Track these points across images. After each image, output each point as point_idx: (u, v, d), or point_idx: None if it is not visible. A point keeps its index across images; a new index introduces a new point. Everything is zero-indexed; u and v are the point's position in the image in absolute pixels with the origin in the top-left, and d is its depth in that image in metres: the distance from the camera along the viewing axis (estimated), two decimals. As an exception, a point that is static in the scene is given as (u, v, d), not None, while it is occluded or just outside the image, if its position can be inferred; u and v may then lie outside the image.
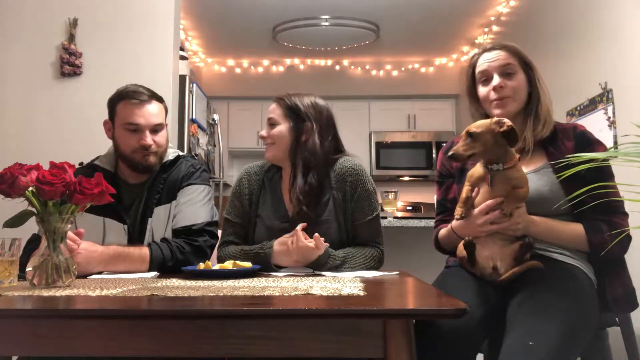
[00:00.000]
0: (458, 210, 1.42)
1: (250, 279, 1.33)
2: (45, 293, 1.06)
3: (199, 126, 3.54)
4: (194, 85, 3.39)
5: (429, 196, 5.04)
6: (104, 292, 1.04)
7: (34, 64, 2.91)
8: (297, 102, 1.70)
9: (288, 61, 5.74)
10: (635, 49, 2.46)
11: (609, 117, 2.63)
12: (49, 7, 2.95)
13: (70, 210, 1.20)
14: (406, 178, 5.60)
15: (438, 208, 1.71)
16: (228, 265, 1.42)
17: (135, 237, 1.68)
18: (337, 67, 5.77)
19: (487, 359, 1.53)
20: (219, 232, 1.79)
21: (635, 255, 1.57)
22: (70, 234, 1.41)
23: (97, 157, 1.80)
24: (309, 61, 5.76)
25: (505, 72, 1.53)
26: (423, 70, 5.73)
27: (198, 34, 5.04)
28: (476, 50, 1.66)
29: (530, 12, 3.89)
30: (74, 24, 2.93)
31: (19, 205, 1.19)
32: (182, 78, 3.21)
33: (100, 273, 1.51)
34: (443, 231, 1.60)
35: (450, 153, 1.38)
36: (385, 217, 2.57)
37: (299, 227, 1.53)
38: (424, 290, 1.17)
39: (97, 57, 2.93)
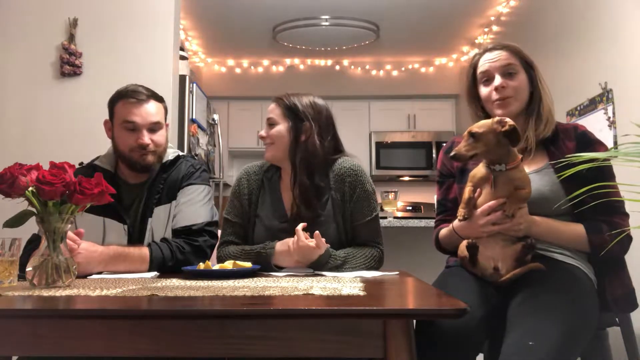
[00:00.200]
0: (461, 212, 1.41)
1: (250, 279, 1.33)
2: (45, 293, 1.06)
3: (199, 126, 3.54)
4: (194, 85, 3.39)
5: (429, 196, 5.04)
6: (104, 292, 1.04)
7: (34, 64, 2.91)
8: (295, 102, 1.70)
9: (288, 61, 5.74)
10: (635, 49, 2.46)
11: (609, 117, 2.63)
12: (49, 7, 2.95)
13: (70, 210, 1.20)
14: (406, 178, 5.60)
15: (438, 208, 1.71)
16: (228, 265, 1.42)
17: (135, 237, 1.68)
18: (337, 67, 5.77)
19: (488, 359, 1.53)
20: (219, 232, 1.79)
21: (635, 256, 1.57)
22: (70, 234, 1.41)
23: (97, 157, 1.80)
24: (309, 61, 5.76)
25: (507, 72, 1.53)
26: (423, 70, 5.73)
27: (198, 34, 5.05)
28: (477, 50, 1.66)
29: (530, 12, 3.89)
30: (74, 24, 2.93)
31: (19, 205, 1.19)
32: (182, 78, 3.21)
33: (100, 273, 1.51)
34: (444, 231, 1.60)
35: (452, 153, 1.38)
36: (385, 217, 2.57)
37: (300, 226, 1.53)
38: (424, 290, 1.17)
39: (97, 57, 2.93)
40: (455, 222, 1.50)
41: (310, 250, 1.50)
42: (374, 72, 5.78)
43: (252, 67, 5.77)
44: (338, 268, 1.55)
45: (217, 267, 1.43)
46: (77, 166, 1.56)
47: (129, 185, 1.75)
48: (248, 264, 1.44)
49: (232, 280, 1.28)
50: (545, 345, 1.13)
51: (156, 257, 1.57)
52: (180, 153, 1.84)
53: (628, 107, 2.50)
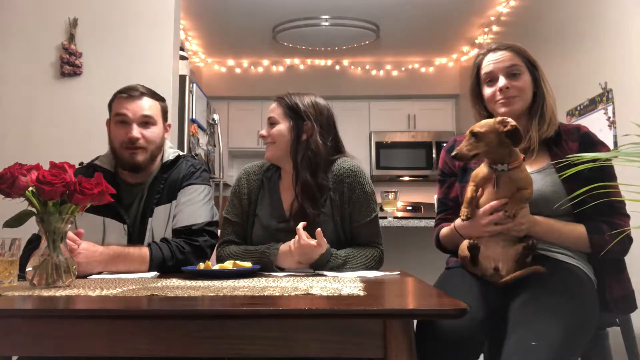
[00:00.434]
0: (463, 211, 1.41)
1: (250, 279, 1.33)
2: (45, 293, 1.06)
3: (199, 126, 3.54)
4: (194, 85, 3.39)
5: (429, 196, 5.04)
6: (104, 292, 1.04)
7: (34, 64, 2.91)
8: (297, 102, 1.70)
9: (288, 61, 5.74)
10: (635, 49, 2.46)
11: (609, 117, 2.63)
12: (49, 7, 2.95)
13: (70, 210, 1.20)
14: (406, 178, 5.60)
15: (439, 207, 1.71)
16: (228, 265, 1.42)
17: (135, 237, 1.68)
18: (337, 67, 5.77)
19: (488, 359, 1.53)
20: (219, 232, 1.79)
21: (635, 257, 1.57)
22: (70, 234, 1.41)
23: (97, 157, 1.80)
24: (309, 61, 5.76)
25: (511, 73, 1.53)
26: (423, 70, 5.73)
27: (198, 34, 5.05)
28: (477, 50, 1.67)
29: (530, 12, 3.89)
30: (74, 24, 2.93)
31: (19, 205, 1.19)
32: (182, 78, 3.21)
33: (100, 273, 1.51)
34: (445, 230, 1.60)
35: (453, 153, 1.38)
36: (385, 217, 2.56)
37: (300, 225, 1.52)
38: (424, 290, 1.17)
39: (97, 57, 2.93)
40: (457, 222, 1.50)
41: (311, 249, 1.50)
42: (374, 72, 5.78)
43: (252, 67, 5.77)
44: (339, 268, 1.55)
45: (217, 267, 1.43)
46: (77, 166, 1.56)
47: (128, 185, 1.74)
48: (248, 264, 1.44)
49: (232, 280, 1.28)
50: (546, 346, 1.13)
51: (156, 257, 1.57)
52: (181, 153, 1.84)
53: (628, 107, 2.50)
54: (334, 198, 1.66)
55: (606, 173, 1.42)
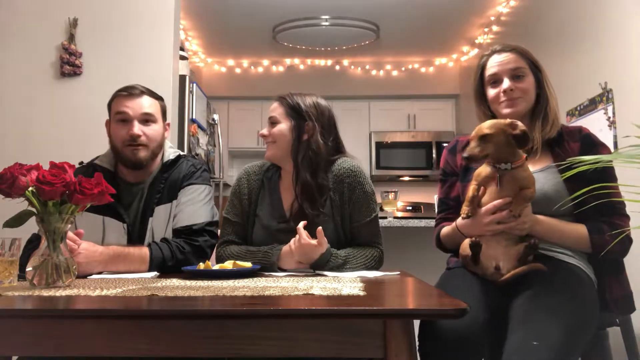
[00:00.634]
0: (464, 209, 1.42)
1: (250, 279, 1.33)
2: (45, 293, 1.06)
3: (199, 126, 3.54)
4: (194, 85, 3.39)
5: (429, 196, 5.04)
6: (104, 292, 1.04)
7: (34, 64, 2.91)
8: (299, 102, 1.70)
9: (288, 61, 5.74)
10: (635, 49, 2.46)
11: (609, 117, 2.63)
12: (49, 7, 2.94)
13: (70, 210, 1.20)
14: (406, 178, 5.60)
15: (440, 206, 1.71)
16: (228, 265, 1.42)
17: (135, 237, 1.68)
18: (337, 67, 5.77)
19: (489, 359, 1.53)
20: (219, 232, 1.79)
21: (635, 258, 1.57)
22: (70, 234, 1.41)
23: (97, 157, 1.80)
24: (309, 61, 5.76)
25: (515, 75, 1.55)
26: (423, 70, 5.73)
27: (198, 34, 5.04)
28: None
29: (530, 12, 3.89)
30: (74, 24, 2.93)
31: (19, 205, 1.19)
32: (182, 78, 3.21)
33: (100, 273, 1.51)
34: (446, 229, 1.60)
35: (465, 155, 1.38)
36: (385, 217, 2.56)
37: (301, 224, 1.52)
38: (424, 290, 1.17)
39: (97, 57, 2.93)
40: (459, 220, 1.50)
41: (312, 249, 1.50)
42: (374, 72, 5.78)
43: (252, 67, 5.77)
44: (339, 268, 1.55)
45: (217, 267, 1.43)
46: (77, 166, 1.56)
47: (128, 184, 1.75)
48: (248, 264, 1.44)
49: (232, 280, 1.28)
50: (547, 345, 1.13)
51: (156, 257, 1.57)
52: (181, 153, 1.84)
53: (628, 107, 2.50)
54: (334, 198, 1.66)
55: (607, 174, 1.43)
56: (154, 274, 1.52)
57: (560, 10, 3.31)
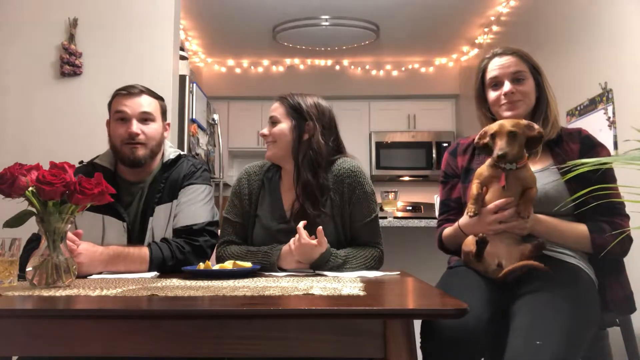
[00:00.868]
0: (470, 208, 1.42)
1: (250, 279, 1.33)
2: (45, 293, 1.06)
3: (199, 126, 3.54)
4: (194, 85, 3.39)
5: (429, 196, 5.04)
6: (104, 292, 1.04)
7: (34, 63, 2.91)
8: (299, 102, 1.71)
9: (288, 61, 5.74)
10: (635, 49, 2.46)
11: (609, 117, 2.63)
12: (49, 7, 2.94)
13: (70, 210, 1.20)
14: (406, 178, 5.60)
15: (442, 208, 1.72)
16: (228, 265, 1.42)
17: (136, 236, 1.68)
18: (337, 67, 5.77)
19: (490, 359, 1.53)
20: (219, 232, 1.79)
21: (635, 258, 1.57)
22: (69, 234, 1.41)
23: (97, 156, 1.80)
24: (309, 61, 5.76)
25: (516, 78, 1.57)
26: (423, 70, 5.73)
27: (198, 34, 5.04)
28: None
29: (530, 12, 3.89)
30: (74, 24, 2.93)
31: (19, 205, 1.19)
32: (182, 78, 3.21)
33: (100, 273, 1.51)
34: (448, 230, 1.61)
35: (500, 153, 1.37)
36: (385, 217, 2.56)
37: (301, 224, 1.52)
38: (425, 290, 1.17)
39: (97, 57, 2.93)
40: (461, 220, 1.51)
41: (311, 248, 1.50)
42: (374, 72, 5.77)
43: (252, 67, 5.77)
44: (338, 268, 1.55)
45: (217, 267, 1.43)
46: (77, 166, 1.56)
47: (128, 183, 1.75)
48: (248, 264, 1.44)
49: (232, 280, 1.28)
50: (550, 345, 1.14)
51: (156, 257, 1.57)
52: (182, 152, 1.84)
53: (628, 107, 2.50)
54: (334, 198, 1.66)
55: (607, 175, 1.44)
56: (154, 274, 1.52)
57: (560, 10, 3.31)
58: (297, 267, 1.56)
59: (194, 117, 3.36)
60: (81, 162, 1.81)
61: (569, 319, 1.20)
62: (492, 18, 4.58)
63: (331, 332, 0.90)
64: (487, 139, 1.43)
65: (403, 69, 5.73)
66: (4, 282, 1.21)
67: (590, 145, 1.52)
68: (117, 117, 1.70)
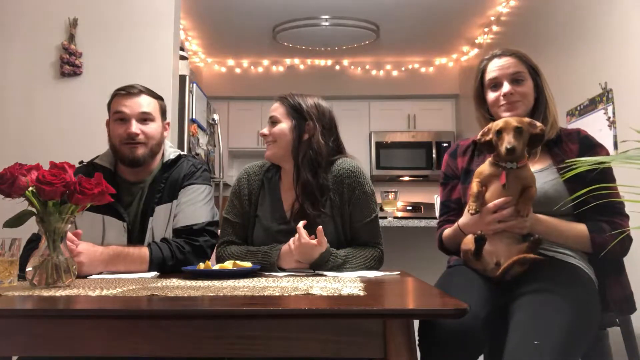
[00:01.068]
0: (471, 205, 1.42)
1: (250, 279, 1.33)
2: (45, 293, 1.06)
3: (199, 126, 3.54)
4: (194, 85, 3.39)
5: (429, 196, 5.04)
6: (104, 292, 1.04)
7: (34, 63, 2.91)
8: (300, 102, 1.71)
9: (288, 61, 5.74)
10: (635, 49, 2.46)
11: (609, 117, 2.63)
12: (49, 6, 2.95)
13: (70, 210, 1.20)
14: (406, 178, 5.60)
15: (442, 209, 1.72)
16: (228, 265, 1.42)
17: (136, 236, 1.68)
18: (337, 67, 5.77)
19: (488, 358, 1.53)
20: (219, 232, 1.79)
21: (635, 258, 1.57)
22: (69, 234, 1.41)
23: (97, 156, 1.80)
24: (309, 61, 5.76)
25: (515, 79, 1.58)
26: (423, 70, 5.73)
27: (198, 34, 5.04)
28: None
29: (530, 12, 3.89)
30: (74, 24, 2.93)
31: (19, 205, 1.19)
32: (182, 78, 3.21)
33: (100, 273, 1.51)
34: (448, 231, 1.61)
35: (509, 147, 1.37)
36: (385, 217, 2.56)
37: (301, 224, 1.52)
38: (424, 290, 1.17)
39: (97, 57, 2.93)
40: (461, 220, 1.52)
41: (311, 248, 1.50)
42: (374, 72, 5.77)
43: (252, 67, 5.77)
44: (338, 267, 1.55)
45: (217, 267, 1.43)
46: (77, 166, 1.56)
47: (128, 183, 1.75)
48: (248, 264, 1.44)
49: (232, 280, 1.28)
50: (549, 345, 1.14)
51: (156, 257, 1.57)
52: (182, 152, 1.84)
53: (628, 107, 2.50)
54: (334, 199, 1.66)
55: (606, 175, 1.44)
56: (154, 274, 1.52)
57: (560, 10, 3.31)
58: (297, 267, 1.56)
59: (194, 117, 3.36)
60: (81, 162, 1.81)
61: (568, 319, 1.20)
62: (492, 18, 4.58)
63: (331, 332, 0.90)
64: (490, 136, 1.43)
65: (403, 69, 5.73)
66: (4, 282, 1.22)
67: (589, 146, 1.53)
68: (117, 118, 1.70)
